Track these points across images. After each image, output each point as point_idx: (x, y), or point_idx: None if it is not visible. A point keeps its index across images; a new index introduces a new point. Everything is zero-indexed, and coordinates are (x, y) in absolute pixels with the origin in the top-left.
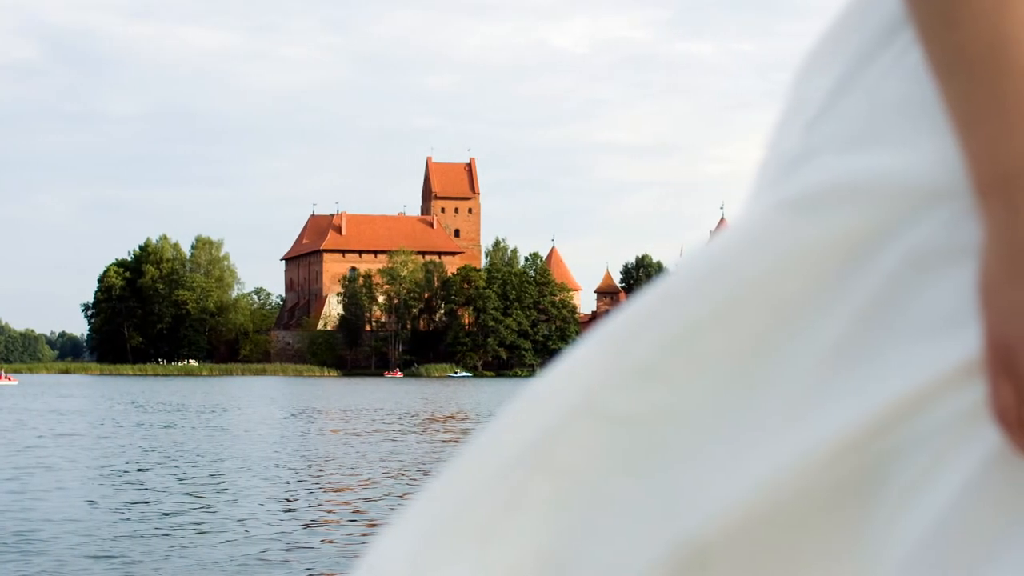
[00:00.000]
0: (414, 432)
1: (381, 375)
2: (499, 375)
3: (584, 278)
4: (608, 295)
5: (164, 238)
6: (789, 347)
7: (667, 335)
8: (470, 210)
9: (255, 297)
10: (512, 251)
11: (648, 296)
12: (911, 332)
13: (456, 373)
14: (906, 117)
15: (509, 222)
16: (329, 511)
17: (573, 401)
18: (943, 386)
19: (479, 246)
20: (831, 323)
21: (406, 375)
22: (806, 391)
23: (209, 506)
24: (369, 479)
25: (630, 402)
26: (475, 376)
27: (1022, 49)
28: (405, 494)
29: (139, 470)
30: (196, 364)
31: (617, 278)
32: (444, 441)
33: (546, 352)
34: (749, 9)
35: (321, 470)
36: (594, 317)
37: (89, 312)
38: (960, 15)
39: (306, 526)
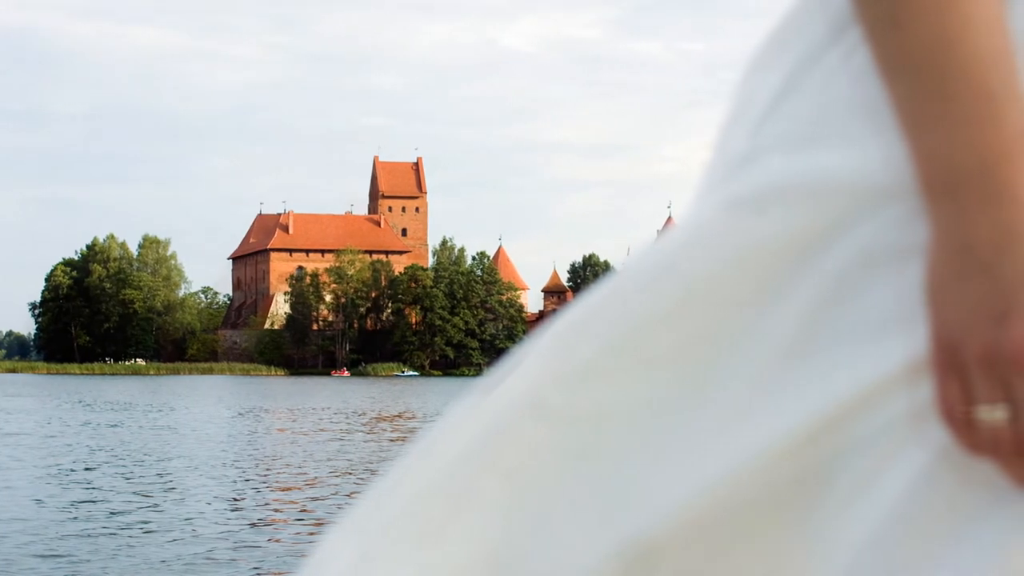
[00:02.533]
0: (361, 431)
1: (328, 374)
2: (446, 374)
3: (531, 277)
4: (555, 294)
5: (111, 237)
6: (737, 347)
7: (614, 335)
8: (417, 209)
9: (202, 296)
10: (459, 250)
11: (595, 296)
12: (859, 331)
13: (403, 372)
14: (854, 116)
15: (457, 221)
16: (276, 510)
17: (521, 401)
18: (891, 385)
19: (426, 245)
20: (779, 323)
21: (353, 374)
22: (754, 391)
23: (156, 505)
24: (316, 478)
25: (578, 402)
26: (422, 375)
27: (968, 50)
28: (352, 493)
29: (86, 469)
30: (143, 363)
31: (564, 277)
32: (391, 440)
33: (493, 351)
34: (699, 8)
35: (268, 469)
36: (541, 316)
37: (36, 311)
38: (907, 15)
39: (253, 525)
